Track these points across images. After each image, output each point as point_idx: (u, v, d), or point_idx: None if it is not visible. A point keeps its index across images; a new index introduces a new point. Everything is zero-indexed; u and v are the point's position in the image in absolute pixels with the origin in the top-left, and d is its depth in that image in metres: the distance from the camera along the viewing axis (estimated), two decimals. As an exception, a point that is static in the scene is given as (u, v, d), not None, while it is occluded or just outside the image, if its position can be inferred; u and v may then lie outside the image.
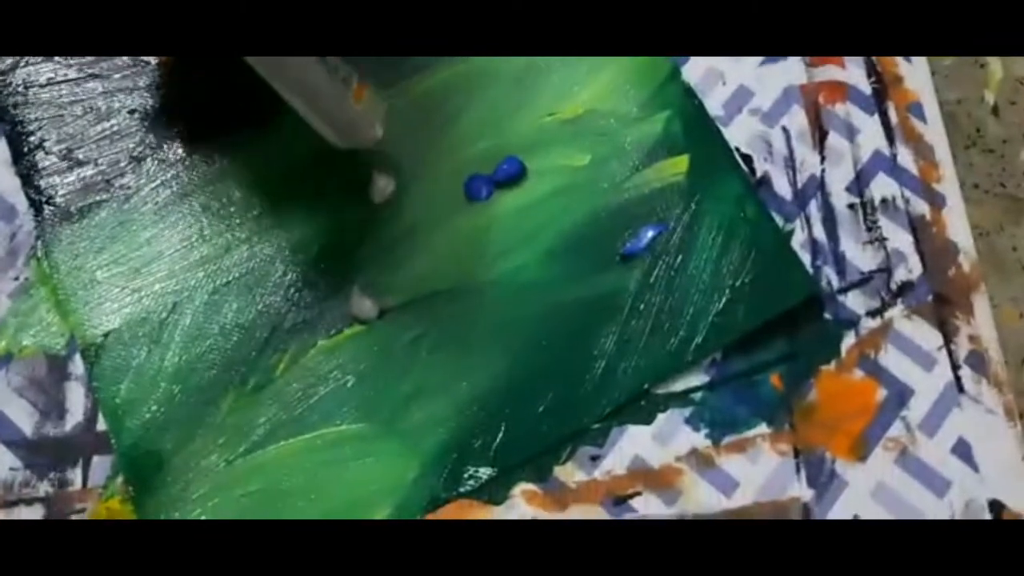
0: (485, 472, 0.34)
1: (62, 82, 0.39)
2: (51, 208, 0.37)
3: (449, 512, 0.34)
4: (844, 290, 0.37)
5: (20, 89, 0.39)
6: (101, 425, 0.35)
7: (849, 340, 0.36)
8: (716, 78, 0.40)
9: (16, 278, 0.37)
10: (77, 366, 0.35)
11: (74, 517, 0.34)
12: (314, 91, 0.32)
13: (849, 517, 0.33)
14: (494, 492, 0.34)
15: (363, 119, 0.34)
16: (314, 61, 0.32)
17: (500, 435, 0.34)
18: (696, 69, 0.40)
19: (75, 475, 0.34)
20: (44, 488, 0.34)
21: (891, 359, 0.36)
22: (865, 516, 0.33)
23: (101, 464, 0.34)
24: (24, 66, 0.39)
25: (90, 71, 0.40)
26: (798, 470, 0.34)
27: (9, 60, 0.39)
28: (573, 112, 0.38)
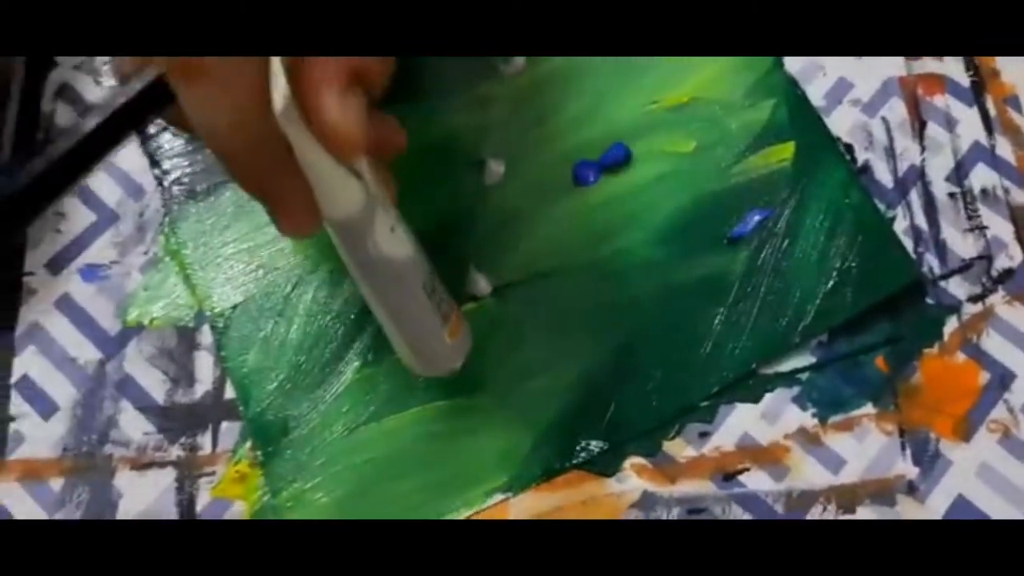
0: (597, 445, 0.35)
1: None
2: (178, 187, 0.39)
3: (562, 483, 0.35)
4: (946, 276, 0.37)
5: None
6: (229, 393, 0.36)
7: (951, 324, 0.37)
8: (816, 69, 0.41)
9: (146, 253, 0.38)
10: (205, 336, 0.37)
11: (204, 480, 0.35)
12: (412, 319, 0.31)
13: (954, 496, 0.34)
14: (606, 464, 0.35)
15: (450, 353, 0.32)
16: (422, 292, 0.30)
17: (611, 411, 0.35)
18: (796, 60, 0.41)
19: (205, 440, 0.36)
20: (175, 452, 0.36)
21: (993, 343, 0.36)
22: (969, 495, 0.34)
23: (230, 430, 0.36)
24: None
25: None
26: (903, 449, 0.35)
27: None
28: (678, 100, 0.40)
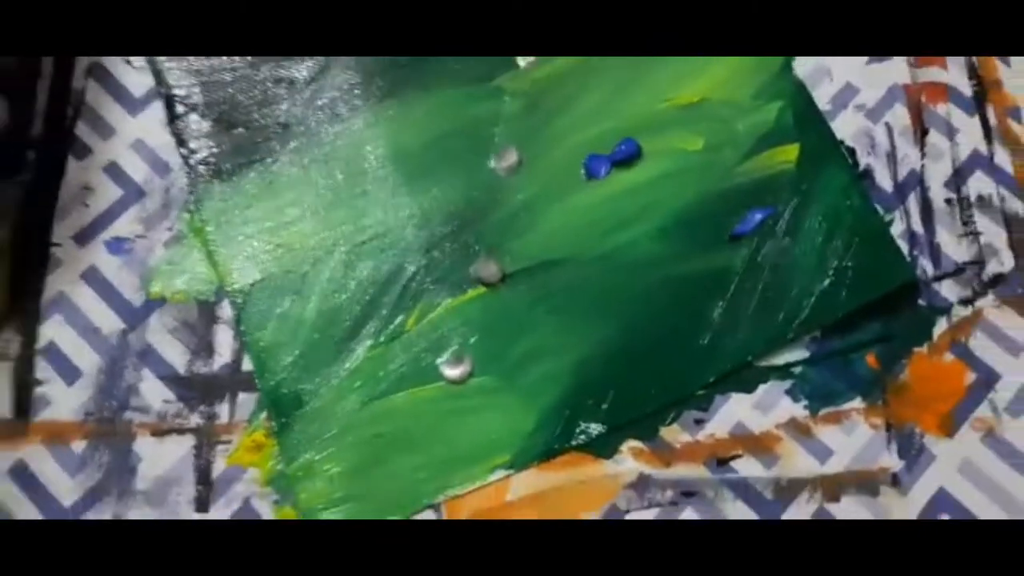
0: (595, 428, 0.37)
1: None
2: (203, 167, 0.40)
3: (561, 463, 0.37)
4: (938, 279, 0.39)
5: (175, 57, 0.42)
6: (247, 366, 0.38)
7: (941, 326, 0.38)
8: (824, 74, 0.42)
9: (170, 229, 0.40)
10: (225, 311, 0.39)
11: (220, 448, 0.37)
12: None
13: (935, 489, 0.36)
14: (604, 447, 0.37)
15: None
16: None
17: (610, 395, 0.37)
18: (805, 65, 0.42)
19: (222, 410, 0.37)
20: (195, 420, 0.37)
21: (980, 345, 0.38)
22: (951, 489, 0.36)
23: (246, 401, 0.37)
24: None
25: (233, 41, 0.43)
26: (889, 443, 0.37)
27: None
28: (689, 99, 0.41)
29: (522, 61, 0.42)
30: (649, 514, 0.36)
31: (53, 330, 0.38)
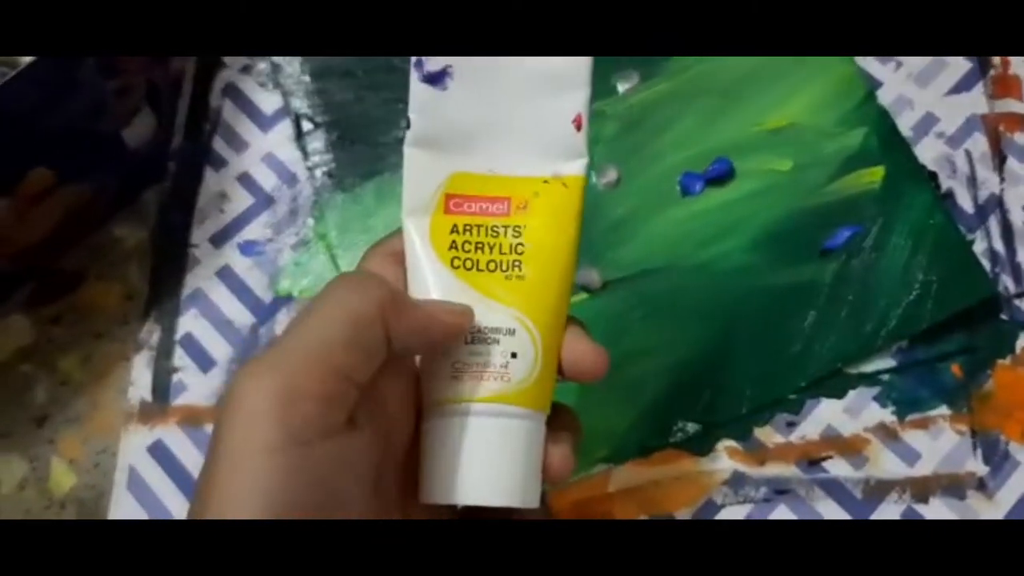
0: (692, 427, 0.39)
1: (331, 76, 0.46)
2: (327, 179, 0.44)
3: (659, 459, 0.39)
4: (1020, 295, 0.41)
5: (299, 79, 0.46)
6: (366, 360, 0.41)
7: (1023, 339, 0.40)
8: (905, 104, 0.45)
9: (297, 233, 0.44)
10: (347, 309, 0.42)
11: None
12: None
13: (1020, 494, 0.37)
14: (700, 445, 0.39)
15: None
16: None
17: (706, 396, 0.39)
18: (887, 95, 0.45)
19: (343, 399, 0.40)
20: (317, 408, 0.40)
21: (1062, 360, 0.40)
22: (1036, 495, 0.37)
23: (365, 392, 0.40)
24: (301, 62, 0.47)
25: (349, 68, 0.47)
26: (975, 448, 0.38)
27: (287, 59, 0.47)
28: (778, 124, 0.44)
29: (621, 87, 0.45)
30: (743, 510, 0.38)
31: (190, 322, 0.42)
